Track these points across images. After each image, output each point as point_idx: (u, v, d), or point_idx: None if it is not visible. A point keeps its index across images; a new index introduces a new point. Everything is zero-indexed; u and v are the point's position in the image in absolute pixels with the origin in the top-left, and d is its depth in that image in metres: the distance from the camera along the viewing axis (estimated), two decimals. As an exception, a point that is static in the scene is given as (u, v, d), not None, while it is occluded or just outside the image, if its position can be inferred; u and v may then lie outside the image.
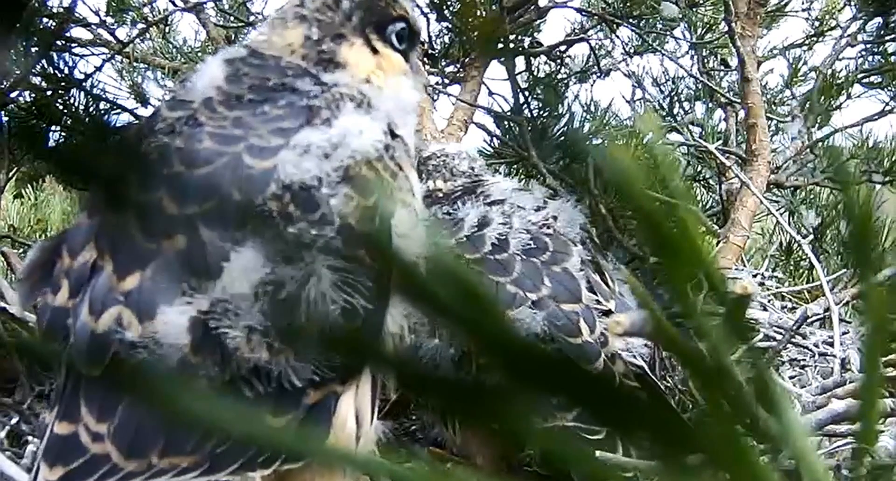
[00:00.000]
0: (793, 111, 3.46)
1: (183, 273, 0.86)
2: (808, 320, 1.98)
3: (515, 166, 2.90)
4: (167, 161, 0.92)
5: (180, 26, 3.68)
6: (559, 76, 3.39)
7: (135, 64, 3.37)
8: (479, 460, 1.49)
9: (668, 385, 1.43)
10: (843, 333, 1.90)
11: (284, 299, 0.85)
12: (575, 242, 1.47)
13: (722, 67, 3.76)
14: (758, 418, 0.38)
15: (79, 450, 0.86)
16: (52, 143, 2.45)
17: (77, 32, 2.93)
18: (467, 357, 1.34)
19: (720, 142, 3.57)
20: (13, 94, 2.24)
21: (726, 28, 2.76)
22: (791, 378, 1.86)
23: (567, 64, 3.47)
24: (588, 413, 0.36)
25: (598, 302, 1.40)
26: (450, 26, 2.89)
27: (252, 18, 3.26)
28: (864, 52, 3.54)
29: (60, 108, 2.37)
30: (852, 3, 3.45)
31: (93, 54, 2.94)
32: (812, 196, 3.46)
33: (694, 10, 3.40)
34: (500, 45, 2.78)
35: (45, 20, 2.31)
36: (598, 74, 3.54)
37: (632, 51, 3.65)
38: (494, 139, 2.90)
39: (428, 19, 2.89)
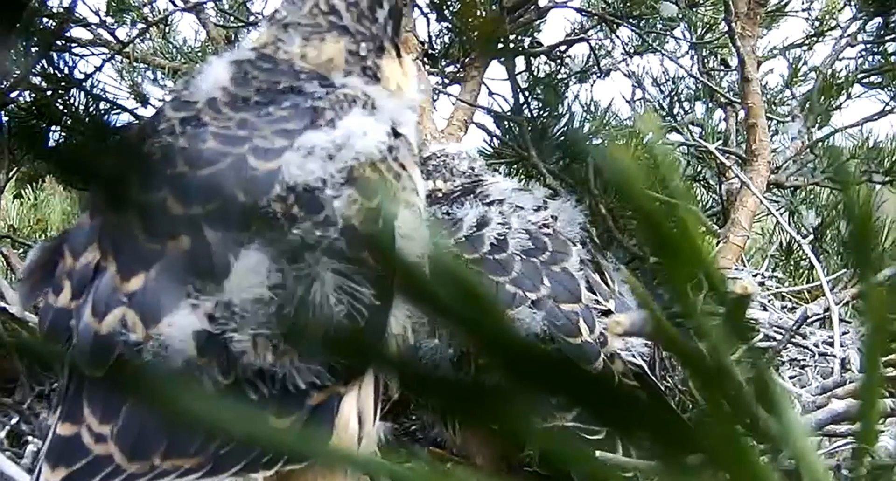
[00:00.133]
0: (793, 111, 3.46)
1: (187, 274, 0.86)
2: (808, 320, 1.98)
3: (515, 166, 2.90)
4: (171, 161, 0.92)
5: (180, 26, 3.69)
6: (559, 76, 3.39)
7: (135, 64, 3.37)
8: (479, 460, 1.49)
9: (668, 385, 1.43)
10: (843, 333, 1.90)
11: (288, 301, 0.85)
12: (574, 242, 1.47)
13: (722, 67, 3.76)
14: (758, 418, 0.38)
15: (81, 452, 0.87)
16: (52, 143, 2.45)
17: (77, 32, 2.93)
18: (466, 357, 1.34)
19: (720, 142, 3.57)
20: (13, 94, 2.24)
21: (726, 28, 2.77)
22: (791, 378, 1.86)
23: (567, 64, 3.47)
24: (588, 413, 0.36)
25: (598, 302, 1.40)
26: (450, 26, 2.89)
27: (252, 18, 3.26)
28: (864, 52, 3.54)
29: (60, 108, 2.37)
30: (852, 3, 3.45)
31: (93, 54, 2.94)
32: (812, 196, 3.46)
33: (694, 10, 3.40)
34: (500, 45, 2.78)
35: (45, 20, 2.31)
36: (598, 74, 3.54)
37: (632, 51, 3.65)
38: (494, 139, 2.90)
39: (428, 19, 2.90)
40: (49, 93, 2.36)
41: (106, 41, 3.05)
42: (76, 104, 2.39)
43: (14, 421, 1.59)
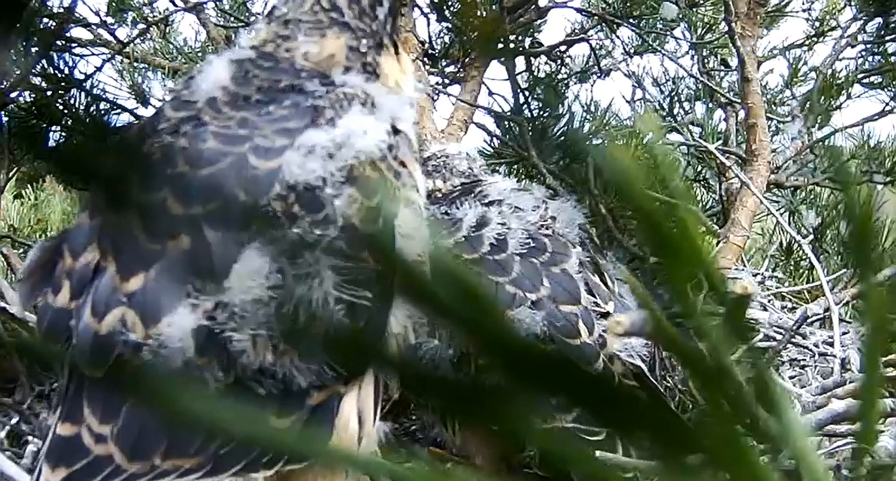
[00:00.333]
0: (793, 111, 3.46)
1: (188, 274, 0.86)
2: (808, 320, 1.98)
3: (515, 166, 2.90)
4: (171, 161, 0.92)
5: (180, 26, 3.69)
6: (559, 76, 3.39)
7: (135, 64, 3.37)
8: (479, 460, 1.49)
9: (668, 385, 1.43)
10: (843, 333, 1.90)
11: (288, 300, 0.85)
12: (574, 243, 1.47)
13: (722, 67, 3.76)
14: (758, 418, 0.38)
15: (82, 452, 0.86)
16: (52, 143, 2.46)
17: (77, 32, 2.93)
18: (466, 357, 1.34)
19: (720, 142, 3.57)
20: (13, 94, 2.24)
21: (726, 28, 2.77)
22: (791, 378, 1.86)
23: (567, 64, 3.47)
24: (588, 413, 0.36)
25: (597, 304, 1.40)
26: (450, 26, 2.89)
27: (252, 19, 3.26)
28: (864, 53, 3.54)
29: (60, 107, 2.37)
30: (852, 4, 3.45)
31: (93, 54, 2.94)
32: (812, 196, 3.46)
33: (694, 10, 3.40)
34: (500, 45, 2.78)
35: (45, 20, 2.31)
36: (599, 74, 3.54)
37: (632, 51, 3.65)
38: (494, 139, 2.90)
39: (428, 19, 2.90)
40: (49, 93, 2.36)
41: (106, 41, 3.05)
42: (76, 104, 2.39)
43: (14, 421, 1.59)
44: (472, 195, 1.55)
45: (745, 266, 2.91)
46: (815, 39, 3.81)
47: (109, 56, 2.89)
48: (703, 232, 2.71)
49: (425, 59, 2.73)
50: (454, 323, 0.35)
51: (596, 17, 3.31)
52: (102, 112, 2.44)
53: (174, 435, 0.85)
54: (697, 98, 3.91)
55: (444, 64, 3.01)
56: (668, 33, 3.50)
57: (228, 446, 0.87)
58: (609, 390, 0.35)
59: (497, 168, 2.82)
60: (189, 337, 0.85)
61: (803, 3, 3.74)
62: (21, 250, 2.41)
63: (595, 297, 1.40)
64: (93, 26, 3.01)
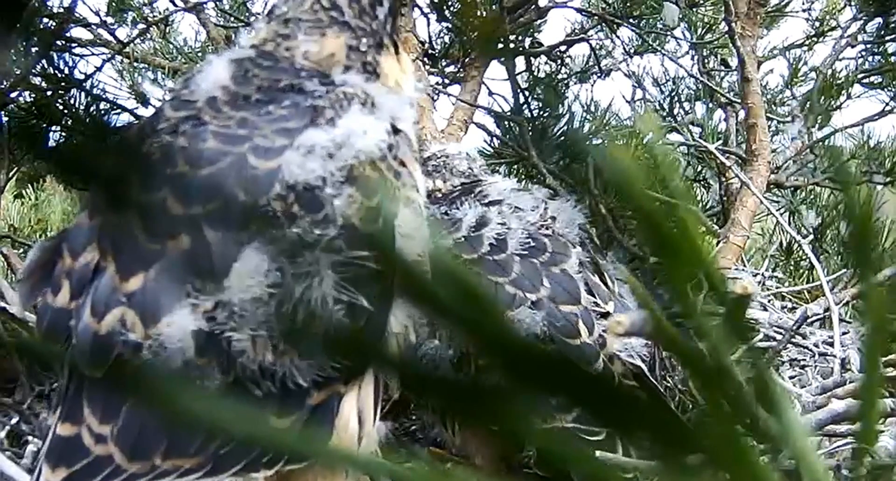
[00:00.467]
0: (793, 111, 3.46)
1: (187, 274, 0.86)
2: (808, 320, 1.98)
3: (515, 166, 2.90)
4: (171, 160, 0.91)
5: (180, 26, 3.69)
6: (559, 76, 3.39)
7: (135, 64, 3.37)
8: (479, 460, 1.49)
9: (668, 385, 1.43)
10: (843, 333, 1.90)
11: (288, 300, 0.85)
12: (574, 244, 1.47)
13: (722, 67, 3.76)
14: (758, 418, 0.38)
15: (82, 452, 0.86)
16: (52, 143, 2.45)
17: (77, 32, 2.93)
18: (466, 357, 1.34)
19: (720, 142, 3.57)
20: (13, 94, 2.24)
21: (726, 28, 2.77)
22: (791, 378, 1.86)
23: (567, 64, 3.47)
24: (588, 413, 0.36)
25: (597, 304, 1.40)
26: (450, 26, 2.89)
27: (252, 19, 3.26)
28: (864, 53, 3.54)
29: (60, 107, 2.37)
30: (852, 4, 3.45)
31: (93, 54, 2.94)
32: (812, 196, 3.46)
33: (694, 10, 3.40)
34: (500, 45, 2.78)
35: (45, 20, 2.31)
36: (599, 74, 3.54)
37: (632, 51, 3.65)
38: (494, 139, 2.90)
39: (428, 19, 2.90)
40: (49, 93, 2.36)
41: (106, 41, 3.05)
42: (76, 104, 2.39)
43: (14, 421, 1.59)
44: (472, 195, 1.55)
45: (745, 266, 2.91)
46: (815, 39, 3.81)
47: (109, 56, 2.89)
48: (703, 232, 2.71)
49: (425, 59, 2.73)
50: (454, 323, 0.35)
51: (596, 17, 3.31)
52: (102, 112, 2.44)
53: (174, 435, 0.85)
54: (697, 98, 3.91)
55: (444, 64, 3.01)
56: (668, 33, 3.50)
57: (228, 446, 0.87)
58: (609, 390, 0.35)
59: (497, 168, 2.82)
60: (189, 336, 0.85)
61: (803, 3, 3.75)
62: (21, 250, 2.42)
63: (595, 297, 1.40)
64: (93, 26, 3.01)
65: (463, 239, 1.41)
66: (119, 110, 2.56)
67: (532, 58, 3.23)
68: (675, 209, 0.36)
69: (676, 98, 3.84)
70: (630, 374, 1.37)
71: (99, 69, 2.50)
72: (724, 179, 3.43)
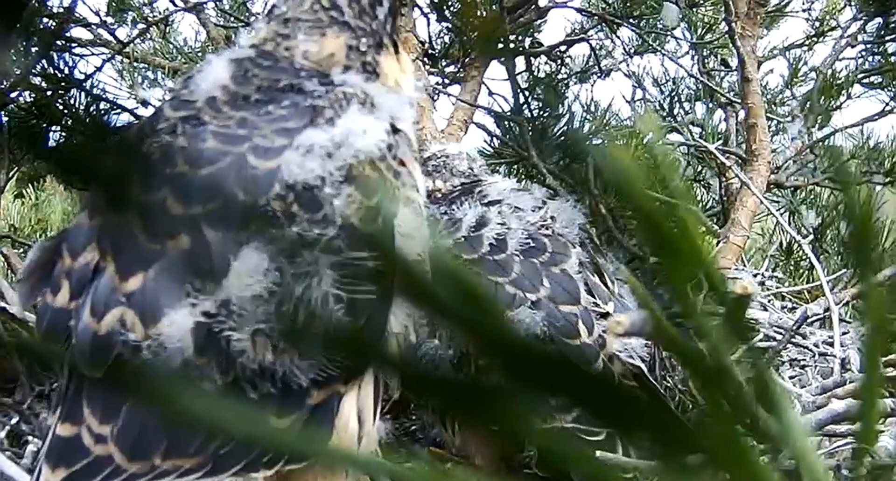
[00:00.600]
0: (793, 111, 3.46)
1: (187, 274, 0.86)
2: (808, 320, 1.98)
3: (515, 166, 2.90)
4: (171, 160, 0.91)
5: (180, 26, 3.69)
6: (559, 76, 3.39)
7: (135, 64, 3.37)
8: (479, 460, 1.49)
9: (668, 385, 1.43)
10: (843, 333, 1.90)
11: (287, 299, 0.84)
12: (574, 243, 1.47)
13: (722, 67, 3.76)
14: (758, 418, 0.38)
15: (82, 452, 0.86)
16: (52, 143, 2.45)
17: (77, 32, 2.93)
18: (466, 357, 1.34)
19: (720, 142, 3.57)
20: (13, 94, 2.24)
21: (726, 28, 2.77)
22: (791, 378, 1.86)
23: (567, 64, 3.47)
24: (588, 413, 0.36)
25: (597, 304, 1.40)
26: (450, 26, 2.89)
27: (252, 18, 3.26)
28: (864, 53, 3.54)
29: (60, 107, 2.37)
30: (852, 4, 3.45)
31: (93, 54, 2.95)
32: (812, 196, 3.46)
33: (694, 10, 3.40)
34: (500, 45, 2.78)
35: (45, 20, 2.31)
36: (599, 74, 3.54)
37: (632, 51, 3.65)
38: (494, 139, 2.90)
39: (428, 19, 2.90)
40: (49, 93, 2.36)
41: (106, 41, 3.05)
42: (76, 104, 2.39)
43: (14, 421, 1.59)
44: (472, 195, 1.55)
45: (745, 266, 2.91)
46: (815, 39, 3.81)
47: (109, 56, 2.89)
48: (703, 232, 2.71)
49: (425, 59, 2.73)
50: (454, 323, 0.35)
51: (596, 17, 3.31)
52: (102, 112, 2.44)
53: (174, 435, 0.85)
54: (697, 98, 3.91)
55: (444, 64, 3.01)
56: (668, 33, 3.50)
57: (228, 446, 0.87)
58: (609, 390, 0.35)
59: (497, 168, 2.82)
60: (188, 336, 0.85)
61: (803, 3, 3.75)
62: (21, 250, 2.42)
63: (595, 297, 1.40)
64: (93, 26, 3.01)
65: (463, 239, 1.41)
66: (119, 110, 2.56)
67: (532, 58, 3.23)
68: (675, 209, 0.36)
69: (676, 98, 3.84)
70: (630, 374, 1.37)
71: (99, 69, 2.50)
72: (724, 179, 3.43)
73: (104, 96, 2.57)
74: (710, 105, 3.87)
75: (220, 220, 0.86)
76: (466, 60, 2.83)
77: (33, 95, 2.34)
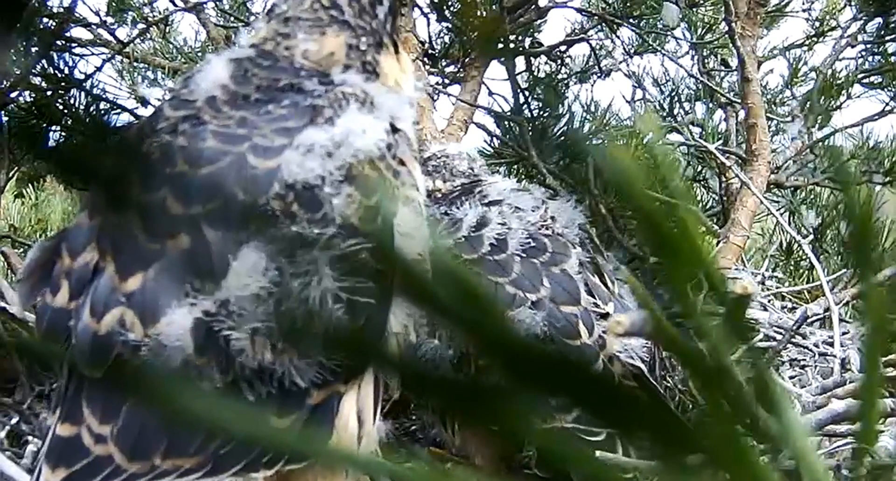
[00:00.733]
0: (793, 111, 3.46)
1: (187, 273, 0.86)
2: (808, 320, 1.98)
3: (515, 166, 2.90)
4: (171, 160, 0.92)
5: (180, 26, 3.69)
6: (559, 76, 3.39)
7: (135, 64, 3.37)
8: (479, 460, 1.49)
9: (668, 385, 1.43)
10: (843, 333, 1.90)
11: (287, 299, 0.84)
12: (574, 243, 1.47)
13: (722, 67, 3.76)
14: (758, 418, 0.38)
15: (82, 452, 0.86)
16: (52, 143, 2.45)
17: (77, 32, 2.93)
18: (466, 357, 1.34)
19: (720, 142, 3.57)
20: (13, 94, 2.24)
21: (726, 28, 2.76)
22: (791, 378, 1.86)
23: (567, 64, 3.47)
24: (588, 413, 0.36)
25: (597, 304, 1.40)
26: (450, 26, 2.89)
27: (252, 18, 3.26)
28: (864, 53, 3.54)
29: (60, 107, 2.37)
30: (852, 4, 3.45)
31: (93, 54, 2.94)
32: (812, 196, 3.46)
33: (694, 10, 3.40)
34: (500, 45, 2.78)
35: (45, 20, 2.31)
36: (599, 74, 3.54)
37: (632, 51, 3.65)
38: (494, 139, 2.90)
39: (428, 19, 2.90)
40: (49, 93, 2.36)
41: (106, 41, 3.05)
42: (76, 104, 2.39)
43: (14, 421, 1.58)
44: (472, 195, 1.55)
45: (745, 266, 2.91)
46: (815, 39, 3.81)
47: (109, 56, 2.89)
48: (703, 232, 2.71)
49: (425, 59, 2.73)
50: (454, 323, 0.35)
51: (596, 17, 3.31)
52: (102, 112, 2.44)
53: (174, 435, 0.85)
54: (697, 98, 3.91)
55: (444, 64, 3.01)
56: (668, 33, 3.50)
57: (228, 446, 0.87)
58: (609, 390, 0.35)
59: (497, 168, 2.82)
60: (188, 336, 0.85)
61: (803, 3, 3.74)
62: (21, 250, 2.41)
63: (595, 298, 1.40)
64: (93, 26, 3.01)
65: (463, 239, 1.41)
66: (119, 110, 2.56)
67: (532, 58, 3.23)
68: (675, 209, 0.36)
69: (676, 98, 3.84)
70: (630, 375, 1.37)
71: (99, 69, 2.50)
72: (724, 179, 3.43)
73: (104, 96, 2.57)
74: (710, 105, 3.87)
75: (219, 220, 0.86)
76: (466, 60, 2.83)
77: (33, 95, 2.34)
